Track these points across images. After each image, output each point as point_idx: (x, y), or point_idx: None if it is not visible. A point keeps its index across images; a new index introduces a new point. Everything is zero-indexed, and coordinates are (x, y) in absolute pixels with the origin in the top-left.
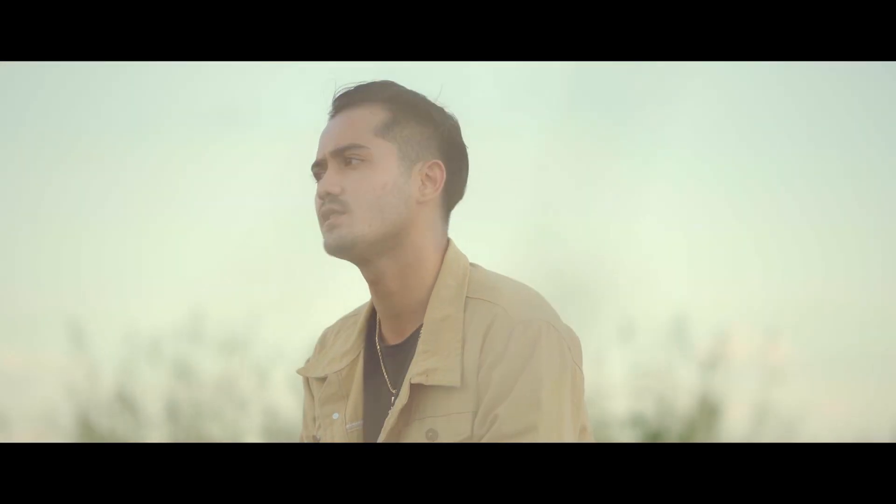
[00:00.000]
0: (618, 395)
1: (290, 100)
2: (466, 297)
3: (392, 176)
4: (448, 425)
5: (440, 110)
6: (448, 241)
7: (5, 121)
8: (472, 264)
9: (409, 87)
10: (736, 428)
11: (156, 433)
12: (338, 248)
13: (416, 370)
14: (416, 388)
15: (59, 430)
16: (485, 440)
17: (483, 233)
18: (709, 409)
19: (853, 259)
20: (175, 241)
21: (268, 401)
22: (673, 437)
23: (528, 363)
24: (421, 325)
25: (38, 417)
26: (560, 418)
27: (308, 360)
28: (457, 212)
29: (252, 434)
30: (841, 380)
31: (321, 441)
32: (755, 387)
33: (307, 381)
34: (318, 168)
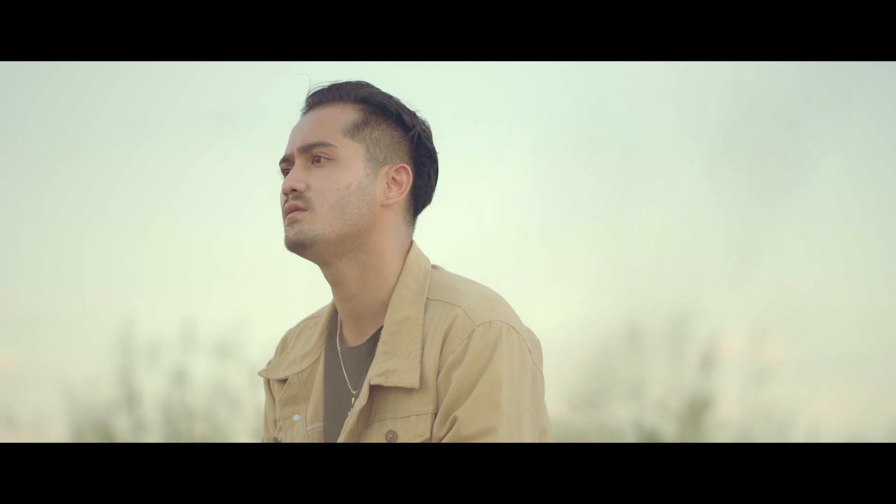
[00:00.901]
0: (616, 396)
1: (290, 100)
2: (427, 298)
3: (357, 177)
4: (408, 427)
5: (412, 114)
6: (411, 242)
7: (5, 120)
8: (433, 266)
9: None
10: (733, 428)
11: (152, 434)
12: (297, 244)
13: (376, 371)
14: (375, 390)
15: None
16: (444, 442)
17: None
18: (700, 409)
19: (854, 259)
20: (176, 241)
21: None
22: (668, 438)
23: (487, 365)
24: (381, 327)
25: (40, 416)
26: (520, 420)
27: (269, 362)
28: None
29: (244, 435)
30: (840, 380)
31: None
32: (752, 387)
33: (268, 383)
34: (286, 164)
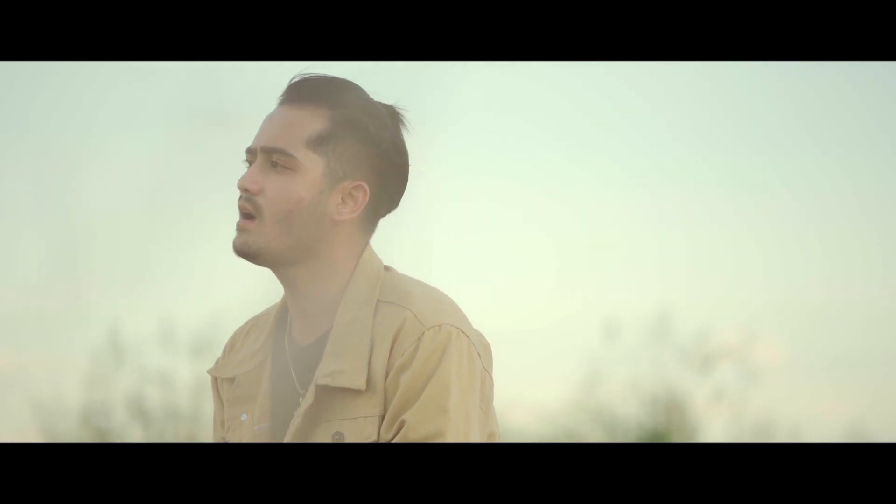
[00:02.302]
0: (617, 398)
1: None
2: (378, 300)
3: (311, 192)
4: (354, 428)
5: (385, 126)
6: (366, 244)
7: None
8: (386, 267)
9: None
10: (719, 430)
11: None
12: (242, 253)
13: (323, 371)
14: (322, 390)
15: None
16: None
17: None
18: (680, 410)
19: (854, 260)
20: (176, 241)
21: None
22: (666, 438)
23: (436, 369)
24: (331, 327)
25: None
26: (467, 424)
27: (217, 361)
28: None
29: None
30: (841, 381)
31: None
32: (750, 388)
33: (216, 382)
34: (250, 155)
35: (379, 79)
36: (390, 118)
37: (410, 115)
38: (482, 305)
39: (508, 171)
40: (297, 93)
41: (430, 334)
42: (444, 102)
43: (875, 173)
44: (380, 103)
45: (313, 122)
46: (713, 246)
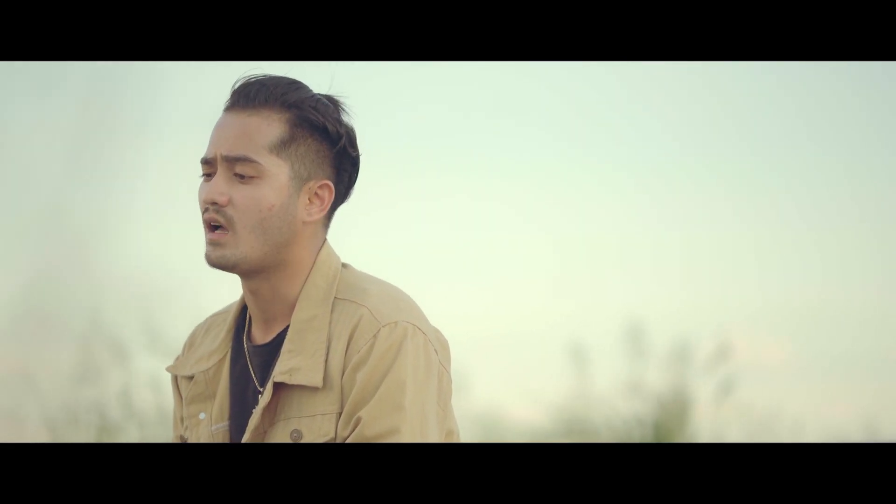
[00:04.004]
0: (619, 398)
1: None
2: (335, 297)
3: (281, 198)
4: (312, 426)
5: (337, 121)
6: (324, 241)
7: (6, 120)
8: (344, 265)
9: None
10: (711, 429)
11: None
12: (218, 266)
13: (280, 369)
14: (279, 388)
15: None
16: (348, 442)
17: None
18: (682, 409)
19: (852, 260)
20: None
21: None
22: (665, 438)
23: (392, 366)
24: (289, 325)
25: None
26: (424, 421)
27: (177, 358)
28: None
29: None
30: (841, 381)
31: (188, 441)
32: (753, 388)
33: (175, 379)
34: (208, 166)
35: (380, 79)
36: (336, 110)
37: (351, 105)
38: (485, 304)
39: (509, 171)
40: (245, 98)
41: (386, 331)
42: (445, 102)
43: (878, 174)
44: (322, 95)
45: (271, 127)
46: (713, 246)
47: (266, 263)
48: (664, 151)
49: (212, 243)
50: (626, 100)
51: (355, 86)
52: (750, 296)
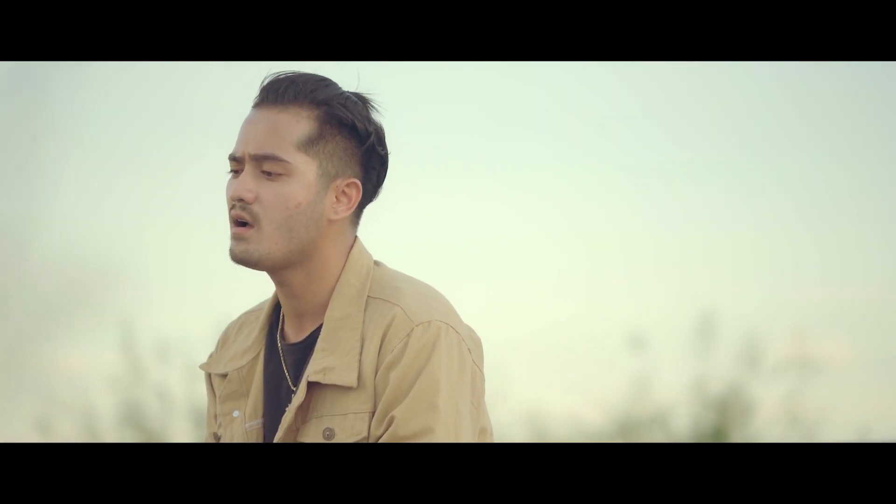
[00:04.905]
0: (673, 400)
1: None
2: (368, 296)
3: (308, 195)
4: (345, 424)
5: (367, 118)
6: (355, 238)
7: (6, 119)
8: (376, 263)
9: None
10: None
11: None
12: (242, 262)
13: (314, 368)
14: (313, 387)
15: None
16: (381, 441)
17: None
18: (743, 409)
19: None
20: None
21: None
22: (713, 438)
23: (425, 365)
24: (322, 324)
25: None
26: (457, 420)
27: (210, 356)
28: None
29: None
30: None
31: (222, 439)
32: (816, 388)
33: (209, 377)
34: (236, 163)
35: (380, 80)
36: (365, 108)
37: (381, 102)
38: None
39: (508, 171)
40: (274, 94)
41: (420, 330)
42: (445, 103)
43: None
44: (351, 93)
45: (300, 124)
46: (769, 244)
47: (291, 260)
48: (732, 149)
49: (236, 238)
50: (628, 100)
51: (355, 86)
52: (813, 295)
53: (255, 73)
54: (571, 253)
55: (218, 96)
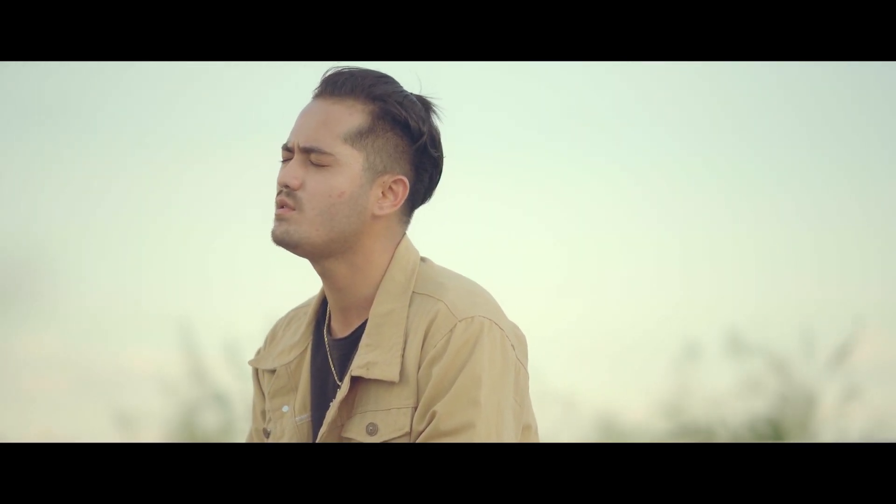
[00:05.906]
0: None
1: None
2: (413, 292)
3: (351, 186)
4: (388, 419)
5: (422, 119)
6: (403, 236)
7: (7, 119)
8: (422, 259)
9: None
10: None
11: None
12: (281, 242)
13: (358, 363)
14: (357, 381)
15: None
16: (423, 436)
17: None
18: (804, 407)
19: None
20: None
21: None
22: (789, 437)
23: (468, 360)
24: (367, 319)
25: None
26: (499, 417)
27: (258, 352)
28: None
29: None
30: None
31: (271, 434)
32: (877, 387)
33: (256, 373)
34: (287, 152)
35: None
36: (424, 109)
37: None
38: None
39: (508, 171)
40: (332, 86)
41: (462, 326)
42: (445, 103)
43: None
44: (413, 94)
45: (352, 116)
46: (837, 244)
47: (331, 250)
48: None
49: (278, 218)
50: (630, 100)
51: (418, 88)
52: (873, 292)
53: (256, 73)
54: (576, 254)
55: (218, 96)
